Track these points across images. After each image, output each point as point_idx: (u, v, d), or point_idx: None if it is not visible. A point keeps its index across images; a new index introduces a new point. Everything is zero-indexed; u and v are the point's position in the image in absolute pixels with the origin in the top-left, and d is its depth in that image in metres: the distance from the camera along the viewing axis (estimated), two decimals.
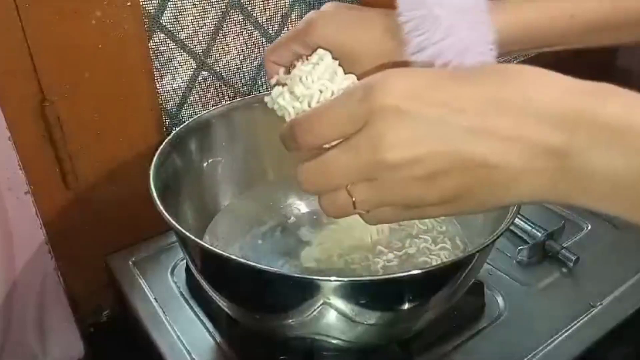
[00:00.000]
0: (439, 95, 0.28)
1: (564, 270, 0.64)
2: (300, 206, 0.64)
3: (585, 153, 0.26)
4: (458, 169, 0.28)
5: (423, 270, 0.42)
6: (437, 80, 0.28)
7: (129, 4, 0.58)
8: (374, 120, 0.28)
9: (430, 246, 0.58)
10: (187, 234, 0.45)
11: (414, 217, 0.32)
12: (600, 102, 0.26)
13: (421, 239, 0.59)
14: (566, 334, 0.56)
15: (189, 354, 0.55)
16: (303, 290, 0.44)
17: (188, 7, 0.64)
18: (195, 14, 0.65)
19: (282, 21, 0.72)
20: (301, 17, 0.71)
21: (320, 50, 0.39)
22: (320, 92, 0.37)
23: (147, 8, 0.61)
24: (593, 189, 0.26)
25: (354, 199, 0.31)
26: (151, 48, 0.63)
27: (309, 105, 0.37)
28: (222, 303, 0.52)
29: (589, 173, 0.26)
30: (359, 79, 0.38)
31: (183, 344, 0.56)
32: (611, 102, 0.26)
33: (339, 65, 0.39)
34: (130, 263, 0.66)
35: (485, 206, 0.30)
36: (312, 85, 0.37)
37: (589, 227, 0.71)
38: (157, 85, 0.66)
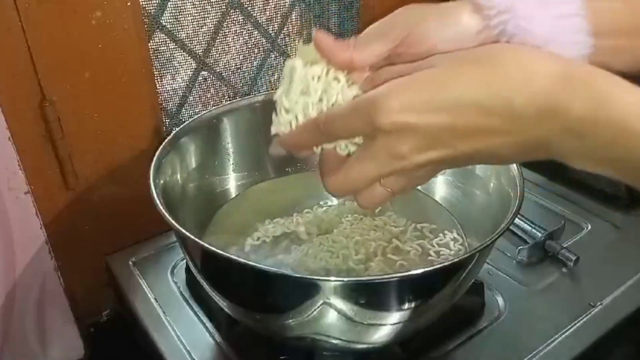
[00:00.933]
0: (434, 106, 0.32)
1: (564, 270, 0.64)
2: (301, 205, 0.64)
3: (558, 141, 0.30)
4: (464, 159, 0.34)
5: (423, 271, 0.42)
6: (431, 90, 0.32)
7: (129, 4, 0.58)
8: (382, 137, 0.33)
9: (431, 243, 0.58)
10: (187, 234, 0.45)
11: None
12: (572, 97, 0.29)
13: (421, 238, 0.59)
14: (566, 334, 0.56)
15: (189, 354, 0.55)
16: (303, 290, 0.44)
17: (188, 7, 0.64)
18: (195, 14, 0.65)
19: (282, 21, 0.72)
20: (301, 17, 0.71)
21: (288, 63, 0.39)
22: (304, 109, 0.37)
23: (147, 8, 0.61)
24: (566, 159, 0.31)
25: (390, 190, 0.36)
26: (151, 48, 0.63)
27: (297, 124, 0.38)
28: (222, 303, 0.52)
29: (563, 153, 0.31)
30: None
31: (183, 344, 0.56)
32: (577, 100, 0.29)
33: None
34: (130, 263, 0.66)
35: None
36: (294, 106, 0.37)
37: (589, 227, 0.71)
38: (157, 85, 0.66)
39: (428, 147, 0.32)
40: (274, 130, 0.39)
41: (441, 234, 0.59)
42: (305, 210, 0.63)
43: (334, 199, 0.65)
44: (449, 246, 0.58)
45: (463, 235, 0.60)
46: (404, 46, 0.36)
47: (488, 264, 0.64)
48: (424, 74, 0.33)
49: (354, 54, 0.37)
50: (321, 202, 0.64)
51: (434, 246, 0.58)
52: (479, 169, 0.60)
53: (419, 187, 0.66)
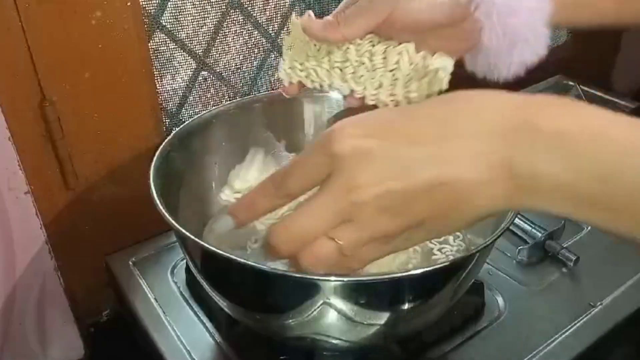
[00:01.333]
0: (393, 130, 0.31)
1: (564, 270, 0.64)
2: None
3: (528, 159, 0.29)
4: (425, 192, 0.30)
5: (423, 271, 0.42)
6: (389, 117, 0.32)
7: (129, 4, 0.58)
8: (339, 167, 0.31)
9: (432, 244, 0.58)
10: (187, 234, 0.45)
11: (397, 247, 0.34)
12: (534, 112, 0.29)
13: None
14: (566, 334, 0.56)
15: (189, 354, 0.55)
16: (303, 290, 0.44)
17: (188, 7, 0.64)
18: (195, 14, 0.65)
19: (282, 21, 0.72)
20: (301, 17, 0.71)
21: (252, 149, 0.40)
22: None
23: (147, 8, 0.61)
24: (539, 191, 0.29)
25: (340, 242, 0.32)
26: (151, 48, 0.63)
27: None
28: (222, 303, 0.52)
29: (534, 176, 0.29)
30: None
31: (183, 344, 0.56)
32: (544, 112, 0.29)
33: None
34: (130, 263, 0.66)
35: (456, 224, 0.33)
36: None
37: (589, 227, 0.71)
38: (157, 85, 0.66)
39: (386, 176, 0.30)
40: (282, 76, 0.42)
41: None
42: None
43: None
44: (448, 242, 0.58)
45: (462, 232, 0.60)
46: (388, 22, 0.39)
47: (488, 264, 0.64)
48: (382, 108, 0.34)
49: (344, 31, 0.40)
50: None
51: (434, 244, 0.58)
52: None
53: None
